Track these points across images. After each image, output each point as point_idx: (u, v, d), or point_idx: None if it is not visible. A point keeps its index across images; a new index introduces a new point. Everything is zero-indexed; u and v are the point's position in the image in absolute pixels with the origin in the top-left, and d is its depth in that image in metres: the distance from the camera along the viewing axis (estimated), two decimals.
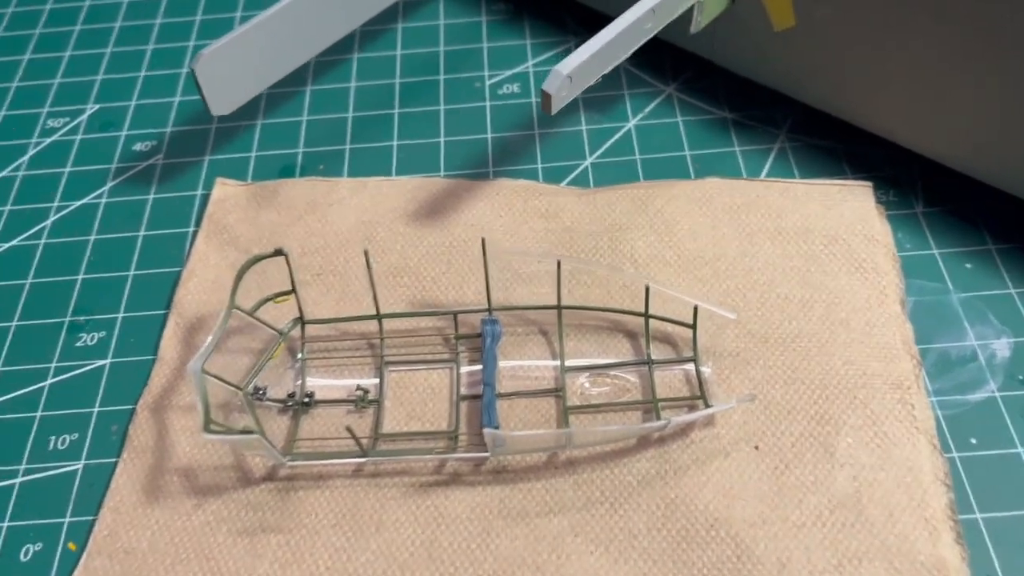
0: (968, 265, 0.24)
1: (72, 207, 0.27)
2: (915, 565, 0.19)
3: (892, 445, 0.20)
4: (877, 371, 0.22)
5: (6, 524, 0.21)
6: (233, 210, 0.26)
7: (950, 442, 0.21)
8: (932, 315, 0.23)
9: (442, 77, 0.30)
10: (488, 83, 0.30)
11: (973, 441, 0.21)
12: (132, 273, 0.25)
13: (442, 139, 0.28)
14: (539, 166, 0.27)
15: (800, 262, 0.24)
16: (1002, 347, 0.22)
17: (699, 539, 0.19)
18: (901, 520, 0.19)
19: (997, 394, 0.22)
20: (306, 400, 0.22)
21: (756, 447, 0.21)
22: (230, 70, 0.24)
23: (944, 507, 0.20)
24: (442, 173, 0.27)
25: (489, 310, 0.23)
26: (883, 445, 0.20)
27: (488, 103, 0.29)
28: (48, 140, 0.29)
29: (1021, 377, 0.22)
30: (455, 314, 0.23)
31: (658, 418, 0.21)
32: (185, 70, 0.31)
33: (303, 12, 0.25)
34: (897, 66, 0.24)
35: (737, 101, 0.28)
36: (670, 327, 0.22)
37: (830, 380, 0.22)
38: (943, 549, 0.19)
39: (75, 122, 0.30)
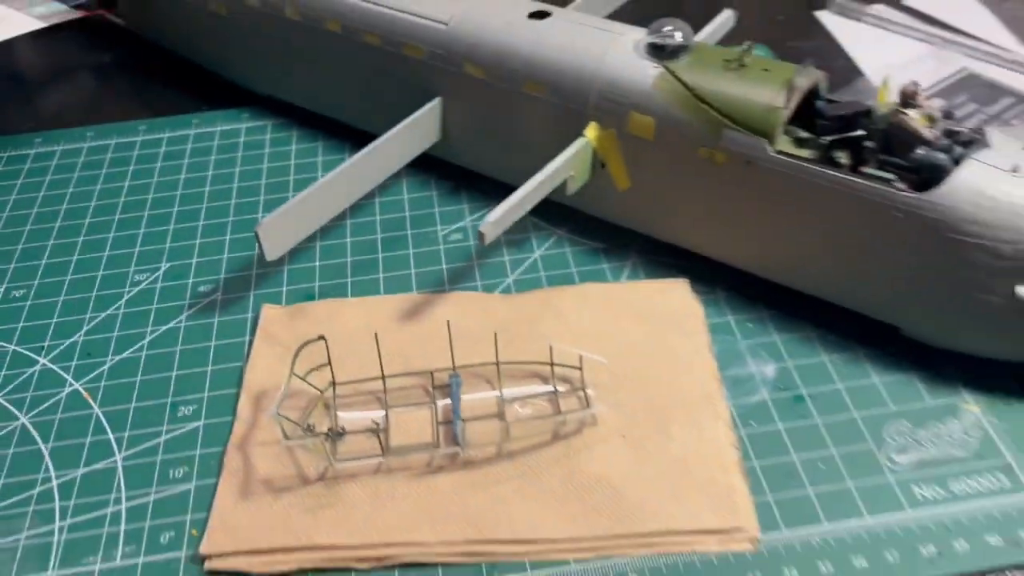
0: (749, 324, 0.38)
1: (160, 330, 0.40)
2: (719, 488, 0.32)
3: (703, 428, 0.34)
4: (695, 388, 0.35)
5: (147, 523, 0.32)
6: (276, 322, 0.39)
7: (739, 425, 0.34)
8: (727, 355, 0.37)
9: (409, 231, 0.44)
10: (441, 233, 0.44)
11: (752, 424, 0.34)
12: (210, 368, 0.38)
13: (412, 271, 0.42)
14: (479, 283, 0.41)
15: (647, 328, 0.38)
16: (769, 371, 0.36)
17: (589, 488, 0.32)
18: (710, 467, 0.32)
19: (767, 397, 0.35)
20: (339, 431, 0.34)
21: (623, 436, 0.34)
22: (279, 231, 0.38)
23: (735, 460, 0.33)
24: (415, 291, 0.41)
25: (453, 369, 0.36)
26: (698, 428, 0.34)
27: (442, 246, 0.43)
28: (137, 288, 0.42)
29: (780, 387, 0.36)
30: (431, 373, 0.36)
31: (564, 422, 0.34)
32: (227, 237, 0.45)
33: (330, 190, 0.39)
34: (692, 207, 0.39)
35: (603, 234, 0.43)
36: (567, 371, 0.36)
37: (667, 396, 0.35)
38: (734, 479, 0.32)
39: (154, 275, 0.43)
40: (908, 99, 0.34)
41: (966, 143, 0.34)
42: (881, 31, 0.57)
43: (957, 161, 0.33)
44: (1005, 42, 0.55)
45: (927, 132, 0.33)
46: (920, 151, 0.33)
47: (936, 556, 0.30)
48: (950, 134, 0.34)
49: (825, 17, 0.59)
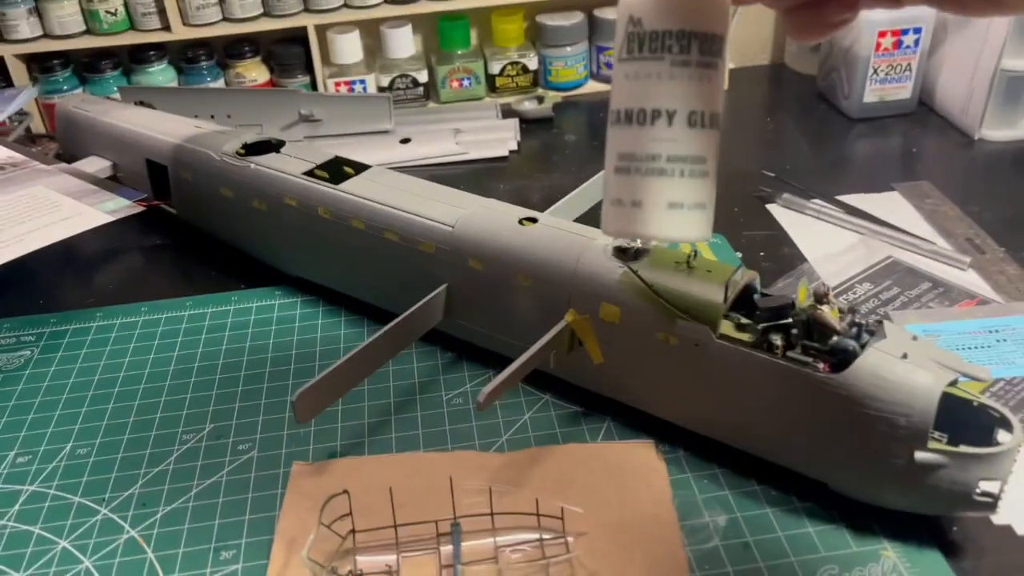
0: (705, 481, 0.45)
1: (205, 484, 0.47)
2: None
3: (665, 571, 0.40)
4: (658, 536, 0.42)
5: None
6: (305, 477, 0.46)
7: (695, 568, 0.41)
8: (686, 506, 0.44)
9: (417, 396, 0.52)
10: (445, 398, 0.52)
11: (707, 567, 0.41)
12: (247, 517, 0.45)
13: (420, 431, 0.49)
14: (476, 442, 0.48)
15: (618, 483, 0.45)
16: (721, 520, 0.43)
17: None
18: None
19: (719, 543, 0.42)
20: (359, 573, 0.40)
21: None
22: (313, 399, 0.46)
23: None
24: (422, 449, 0.48)
25: (455, 519, 0.42)
26: (661, 572, 0.40)
27: (445, 409, 0.51)
28: (185, 447, 0.49)
29: (730, 535, 0.42)
30: (436, 522, 0.43)
31: (548, 565, 0.40)
32: (262, 401, 0.52)
33: (353, 364, 0.47)
34: (654, 380, 0.47)
35: (583, 401, 0.51)
36: (551, 521, 0.43)
37: (634, 542, 0.42)
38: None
39: (200, 435, 0.50)
40: (820, 298, 0.42)
41: (870, 332, 0.42)
42: (821, 223, 0.67)
43: (863, 346, 0.41)
44: (925, 233, 0.65)
45: (838, 324, 0.42)
46: (834, 339, 0.41)
47: None
48: (855, 324, 0.42)
49: (775, 209, 0.69)
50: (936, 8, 0.27)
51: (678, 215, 0.27)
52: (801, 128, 0.85)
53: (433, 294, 0.52)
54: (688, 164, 0.27)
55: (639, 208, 0.27)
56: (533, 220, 0.51)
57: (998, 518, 0.42)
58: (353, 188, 0.56)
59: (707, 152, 0.27)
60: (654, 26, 0.26)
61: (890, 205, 0.69)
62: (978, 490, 0.39)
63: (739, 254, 0.63)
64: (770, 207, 0.70)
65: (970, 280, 0.59)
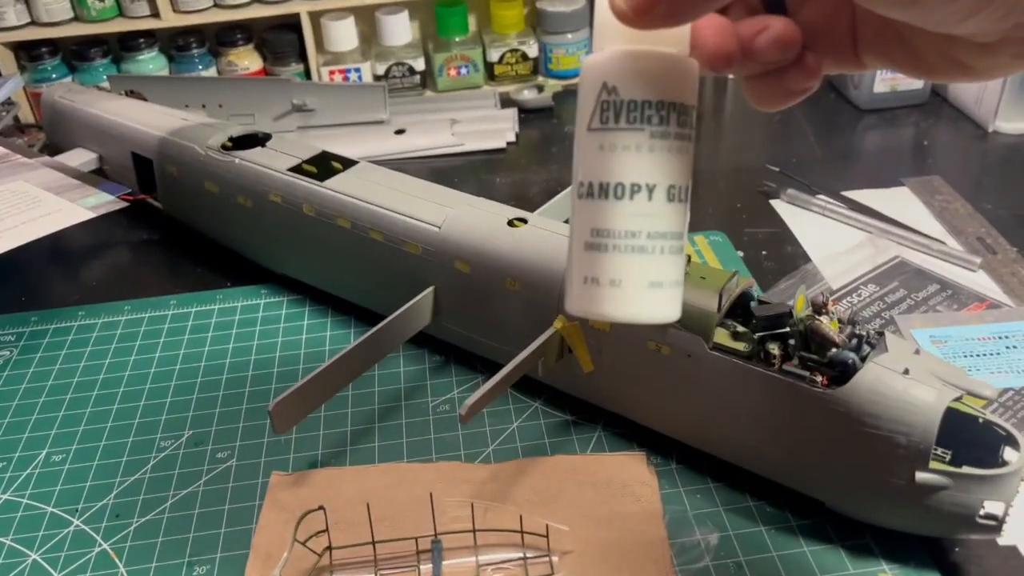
0: (698, 496, 0.43)
1: (181, 494, 0.45)
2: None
3: None
4: (647, 555, 0.40)
5: None
6: (283, 489, 0.45)
7: None
8: (677, 523, 0.42)
9: (403, 403, 0.50)
10: (431, 404, 0.50)
11: None
12: (223, 530, 0.43)
13: (404, 440, 0.48)
14: (462, 452, 0.47)
15: (607, 498, 0.43)
16: (713, 538, 0.41)
17: None
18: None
19: (709, 563, 0.40)
20: None
21: None
22: (290, 409, 0.44)
23: None
24: (405, 460, 0.46)
25: (435, 536, 0.41)
26: None
27: (431, 417, 0.49)
28: (162, 454, 0.48)
29: (722, 553, 0.40)
30: (416, 539, 0.41)
31: None
32: (244, 406, 0.51)
33: (334, 371, 0.46)
34: (645, 390, 0.45)
35: (573, 409, 0.49)
36: (535, 538, 0.41)
37: (621, 562, 0.40)
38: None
39: (178, 442, 0.49)
40: (819, 308, 0.40)
41: (871, 344, 0.40)
42: (827, 220, 0.65)
43: (863, 359, 0.39)
44: (935, 231, 0.62)
45: (837, 336, 0.40)
46: (832, 352, 0.39)
47: None
48: (855, 336, 0.40)
49: (778, 206, 0.67)
50: (903, 73, 0.27)
51: (658, 294, 0.25)
52: (808, 119, 0.83)
53: (418, 297, 0.50)
54: (667, 240, 0.25)
55: (618, 288, 0.25)
56: (523, 221, 0.49)
57: (1003, 539, 0.40)
58: (338, 185, 0.54)
59: (683, 227, 0.26)
60: (632, 96, 0.25)
61: (899, 201, 0.67)
62: (982, 512, 0.37)
63: (740, 253, 0.61)
64: (774, 203, 0.68)
65: (980, 282, 0.57)
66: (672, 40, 0.25)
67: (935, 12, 0.23)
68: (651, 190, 0.25)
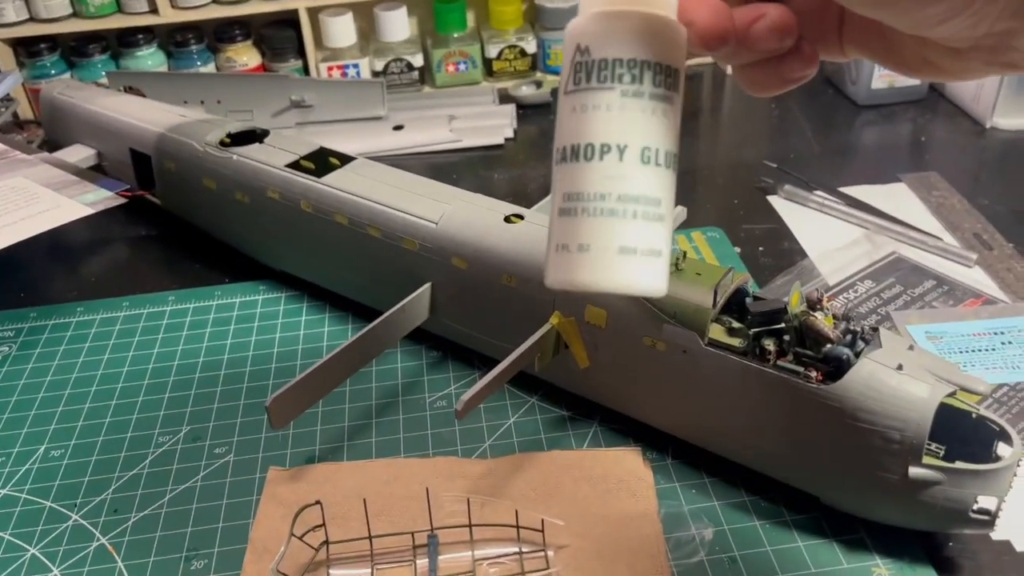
0: (693, 491, 0.44)
1: (179, 489, 0.45)
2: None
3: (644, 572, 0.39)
4: (643, 549, 0.40)
5: None
6: (280, 484, 0.45)
7: None
8: (673, 518, 0.42)
9: (400, 398, 0.51)
10: (428, 400, 0.50)
11: None
12: (221, 525, 0.43)
13: (401, 435, 0.48)
14: (459, 447, 0.47)
15: (603, 493, 0.43)
16: (708, 534, 0.41)
17: None
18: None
19: (704, 558, 0.40)
20: None
21: None
22: (287, 404, 0.44)
23: None
24: (402, 455, 0.47)
25: (431, 531, 0.41)
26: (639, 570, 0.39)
27: (428, 412, 0.50)
28: (160, 450, 0.48)
29: (717, 548, 0.41)
30: (412, 534, 0.41)
31: None
32: (241, 402, 0.51)
33: (332, 366, 0.46)
34: (641, 385, 0.45)
35: (569, 404, 0.49)
36: (531, 533, 0.41)
37: (617, 556, 0.40)
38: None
39: (176, 438, 0.49)
40: (814, 304, 0.41)
41: (865, 339, 0.40)
42: (824, 216, 0.65)
43: (857, 355, 0.39)
44: (931, 227, 0.62)
45: (832, 332, 0.40)
46: (827, 347, 0.40)
47: None
48: (850, 332, 0.40)
49: (776, 201, 0.67)
50: (881, 65, 0.27)
51: (630, 261, 0.24)
52: (806, 115, 0.83)
53: (415, 293, 0.50)
54: (641, 205, 0.24)
55: (586, 253, 0.24)
56: (520, 217, 0.50)
57: (996, 534, 0.40)
58: (336, 181, 0.55)
59: (662, 194, 0.25)
60: (603, 54, 0.24)
61: (896, 197, 0.67)
62: (975, 506, 0.38)
63: (737, 249, 0.61)
64: (771, 199, 0.68)
65: (976, 278, 0.57)
66: (656, 4, 0.25)
67: (907, 16, 0.23)
68: (622, 150, 0.24)
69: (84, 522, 0.44)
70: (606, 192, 0.24)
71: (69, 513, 0.44)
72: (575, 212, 0.24)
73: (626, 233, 0.24)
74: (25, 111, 0.86)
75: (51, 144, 0.75)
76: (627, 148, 0.24)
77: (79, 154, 0.69)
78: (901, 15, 0.23)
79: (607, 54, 0.24)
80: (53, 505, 0.45)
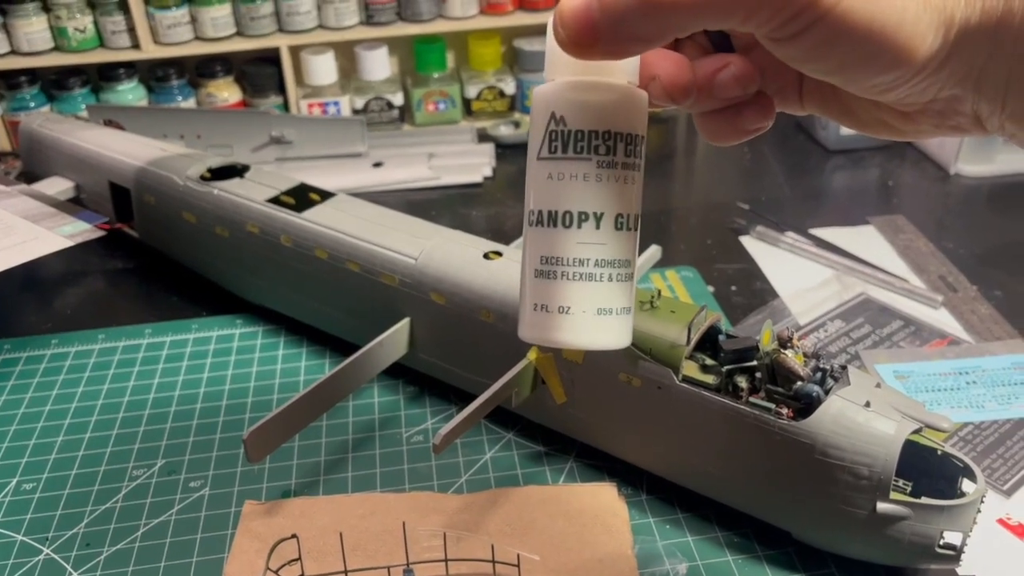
0: (667, 526, 0.44)
1: (153, 523, 0.45)
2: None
3: None
4: None
5: None
6: (256, 518, 0.45)
7: None
8: (647, 554, 0.43)
9: (377, 433, 0.51)
10: (404, 435, 0.51)
11: None
12: (195, 559, 0.43)
13: (378, 470, 0.48)
14: (435, 482, 0.47)
15: (578, 528, 0.44)
16: (682, 569, 0.42)
17: None
18: None
19: None
20: None
21: None
22: (265, 437, 0.44)
23: None
24: (378, 490, 0.47)
25: (407, 565, 0.41)
26: None
27: (404, 447, 0.50)
28: (135, 483, 0.48)
29: None
30: (388, 568, 0.41)
31: None
32: (217, 436, 0.51)
33: (310, 400, 0.46)
34: (616, 421, 0.46)
35: (546, 440, 0.49)
36: (507, 568, 0.41)
37: None
38: None
39: (151, 471, 0.49)
40: (784, 342, 0.42)
41: (834, 377, 0.41)
42: (795, 257, 0.66)
43: (827, 392, 0.40)
44: (899, 269, 0.64)
45: (802, 370, 0.41)
46: (797, 384, 0.41)
47: None
48: (819, 370, 0.41)
49: (748, 242, 0.69)
50: (837, 123, 0.29)
51: (607, 321, 0.26)
52: (778, 159, 0.85)
53: (393, 329, 0.51)
54: (615, 268, 0.26)
55: (567, 315, 0.26)
56: (498, 254, 0.50)
57: (962, 568, 0.41)
58: (316, 217, 0.55)
59: (631, 255, 0.27)
60: (579, 126, 0.26)
61: (864, 239, 0.69)
62: (941, 542, 0.38)
63: (711, 288, 0.63)
64: (744, 239, 0.69)
65: (942, 319, 0.59)
66: (621, 70, 0.26)
67: (857, 83, 0.25)
68: (599, 219, 0.26)
69: (56, 556, 0.43)
70: (584, 258, 0.26)
71: (40, 547, 0.44)
72: (554, 275, 0.26)
73: (603, 296, 0.26)
74: (3, 143, 0.86)
75: (29, 176, 0.75)
76: (603, 216, 0.26)
77: (57, 186, 0.69)
78: (851, 82, 0.25)
79: (583, 126, 0.26)
80: (24, 539, 0.44)
